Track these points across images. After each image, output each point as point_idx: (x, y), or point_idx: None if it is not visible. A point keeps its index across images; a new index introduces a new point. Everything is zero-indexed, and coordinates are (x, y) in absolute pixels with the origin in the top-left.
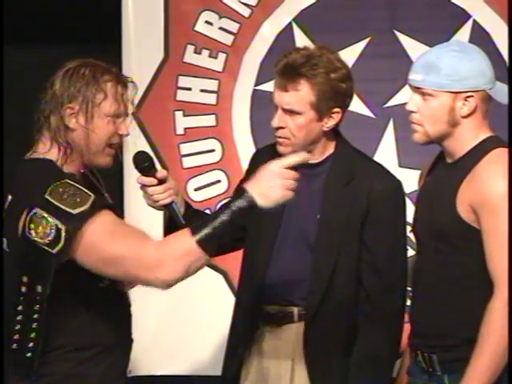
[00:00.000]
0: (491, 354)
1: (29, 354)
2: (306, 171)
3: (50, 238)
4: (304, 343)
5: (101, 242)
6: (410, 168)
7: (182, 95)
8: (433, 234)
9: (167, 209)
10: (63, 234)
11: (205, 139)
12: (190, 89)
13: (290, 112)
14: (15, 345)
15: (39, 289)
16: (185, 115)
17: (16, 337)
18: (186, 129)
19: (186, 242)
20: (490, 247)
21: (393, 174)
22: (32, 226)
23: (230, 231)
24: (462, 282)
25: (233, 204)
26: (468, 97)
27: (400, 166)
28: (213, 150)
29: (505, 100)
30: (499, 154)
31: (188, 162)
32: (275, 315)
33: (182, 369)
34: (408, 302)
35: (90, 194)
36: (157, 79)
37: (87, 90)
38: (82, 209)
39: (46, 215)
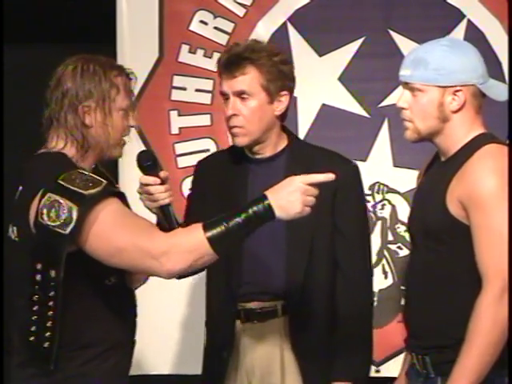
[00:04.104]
0: (479, 352)
1: (46, 344)
2: (263, 166)
3: (62, 219)
4: (291, 334)
5: (110, 231)
6: (405, 167)
7: (176, 95)
8: (424, 231)
9: (163, 211)
10: (75, 213)
11: (200, 139)
12: (184, 88)
13: (242, 97)
14: (32, 337)
15: (53, 274)
16: (180, 115)
17: (33, 328)
18: (180, 128)
19: (197, 236)
20: (478, 243)
21: (349, 159)
22: (45, 210)
23: (241, 235)
24: (453, 281)
25: (251, 208)
26: (457, 91)
27: (395, 165)
28: (207, 150)
29: (498, 97)
30: (490, 150)
31: (183, 162)
32: (259, 311)
33: (176, 368)
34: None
35: (102, 180)
36: (151, 79)
37: (102, 87)
38: (93, 191)
39: (58, 198)
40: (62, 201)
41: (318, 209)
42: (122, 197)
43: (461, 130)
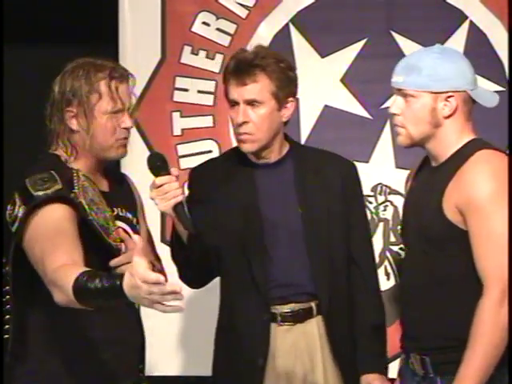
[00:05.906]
0: (483, 354)
1: (6, 336)
2: (271, 170)
3: (13, 217)
4: (327, 332)
5: (38, 241)
6: (407, 169)
7: (179, 96)
8: (422, 237)
9: (178, 210)
10: (20, 213)
11: (202, 140)
12: (187, 90)
13: (253, 104)
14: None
15: (7, 268)
16: (182, 116)
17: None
18: (183, 130)
19: (69, 282)
20: (477, 248)
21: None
22: (8, 207)
23: (103, 299)
24: (451, 284)
25: (113, 282)
26: (449, 97)
27: (397, 167)
28: (210, 151)
29: (487, 103)
30: (485, 155)
31: (185, 163)
32: (296, 313)
33: (178, 369)
34: None
35: (60, 183)
36: (154, 80)
37: (82, 93)
38: (41, 193)
39: (16, 196)
40: (17, 199)
41: (330, 205)
42: (73, 204)
43: (453, 136)
